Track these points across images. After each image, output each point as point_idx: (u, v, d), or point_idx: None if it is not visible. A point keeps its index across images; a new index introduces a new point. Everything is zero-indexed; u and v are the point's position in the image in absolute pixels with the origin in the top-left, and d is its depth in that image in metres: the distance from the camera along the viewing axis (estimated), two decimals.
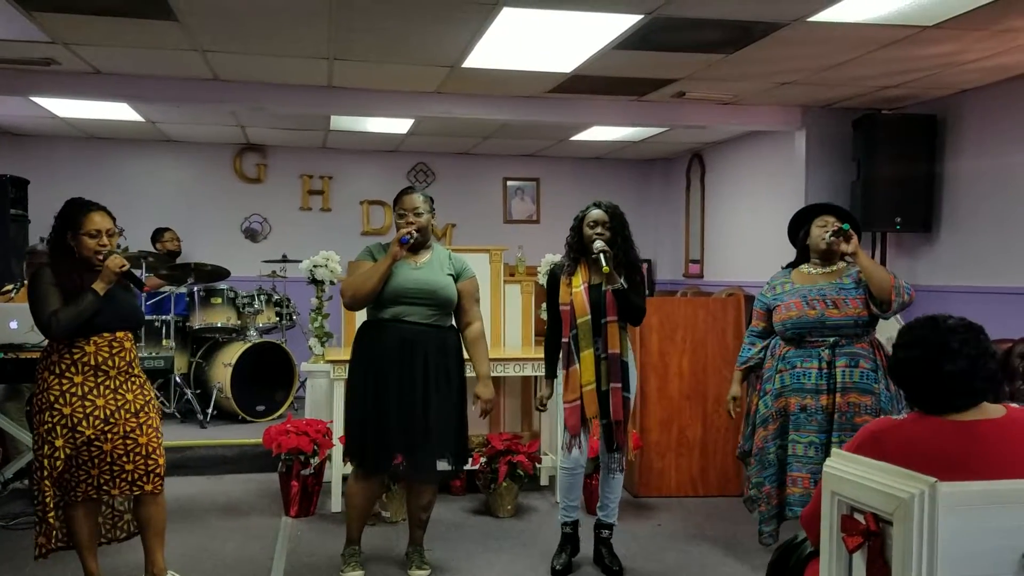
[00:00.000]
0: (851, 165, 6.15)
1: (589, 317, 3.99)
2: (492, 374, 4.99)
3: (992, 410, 2.21)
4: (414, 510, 4.13)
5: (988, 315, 5.16)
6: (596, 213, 4.04)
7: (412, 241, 3.83)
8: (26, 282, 5.37)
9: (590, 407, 4.02)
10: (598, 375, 4.01)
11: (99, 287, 3.48)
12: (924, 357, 2.22)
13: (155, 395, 3.79)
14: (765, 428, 3.90)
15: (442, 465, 4.03)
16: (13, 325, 4.64)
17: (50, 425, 3.48)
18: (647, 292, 4.36)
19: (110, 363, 3.55)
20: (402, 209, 3.93)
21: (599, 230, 4.01)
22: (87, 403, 3.50)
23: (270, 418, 7.01)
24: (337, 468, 5.02)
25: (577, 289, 4.03)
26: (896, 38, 4.44)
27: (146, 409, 3.63)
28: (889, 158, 5.84)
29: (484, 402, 4.04)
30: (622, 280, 3.95)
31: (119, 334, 3.60)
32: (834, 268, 3.87)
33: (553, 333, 4.19)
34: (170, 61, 5.14)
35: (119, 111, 6.86)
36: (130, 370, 3.63)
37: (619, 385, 4.02)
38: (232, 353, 6.99)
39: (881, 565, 1.99)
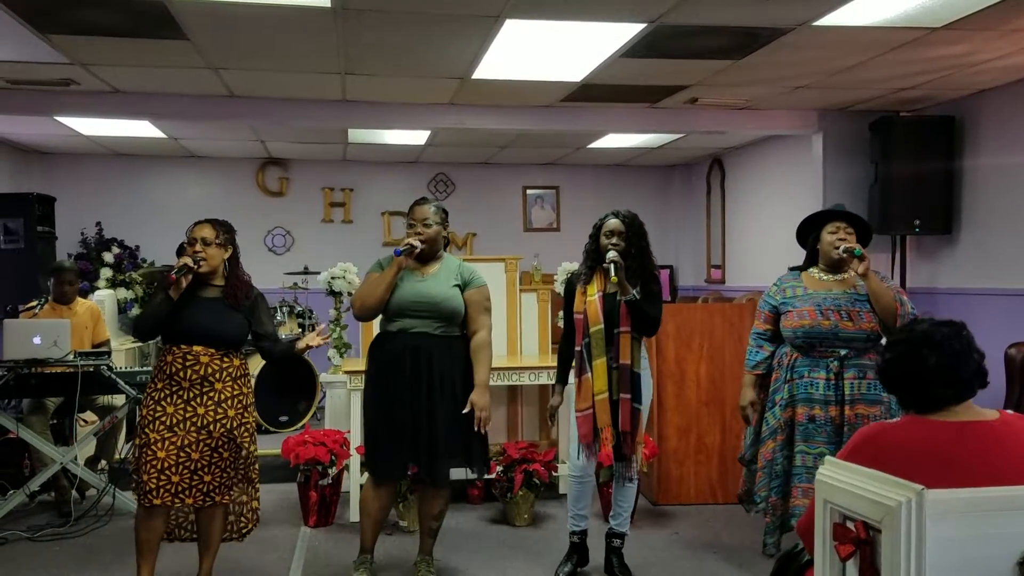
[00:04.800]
0: (869, 167, 6.09)
1: (602, 326, 3.97)
2: (509, 383, 5.04)
3: (985, 413, 2.21)
4: (425, 518, 4.15)
5: (1010, 317, 5.13)
6: (613, 223, 4.02)
7: (407, 252, 3.84)
8: (50, 299, 5.49)
9: (602, 416, 4.00)
10: (610, 384, 4.00)
11: (173, 291, 3.63)
12: (908, 352, 2.24)
13: (247, 417, 3.75)
14: (774, 439, 3.87)
15: (461, 473, 4.03)
16: (37, 340, 4.72)
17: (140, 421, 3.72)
18: (670, 299, 4.33)
19: (181, 374, 3.65)
20: (412, 219, 3.98)
21: (614, 240, 3.98)
22: (157, 408, 3.65)
23: (293, 428, 7.07)
24: (354, 478, 5.05)
25: (592, 298, 4.02)
26: (904, 40, 4.41)
27: (211, 428, 3.64)
28: (907, 160, 5.78)
29: (478, 408, 3.93)
30: (636, 291, 3.92)
31: (196, 348, 3.67)
32: (845, 276, 3.79)
33: (567, 341, 4.18)
34: (186, 79, 5.22)
35: (141, 128, 6.96)
36: (204, 385, 3.66)
37: (628, 396, 3.99)
38: (255, 364, 7.05)
39: (872, 574, 1.98)
